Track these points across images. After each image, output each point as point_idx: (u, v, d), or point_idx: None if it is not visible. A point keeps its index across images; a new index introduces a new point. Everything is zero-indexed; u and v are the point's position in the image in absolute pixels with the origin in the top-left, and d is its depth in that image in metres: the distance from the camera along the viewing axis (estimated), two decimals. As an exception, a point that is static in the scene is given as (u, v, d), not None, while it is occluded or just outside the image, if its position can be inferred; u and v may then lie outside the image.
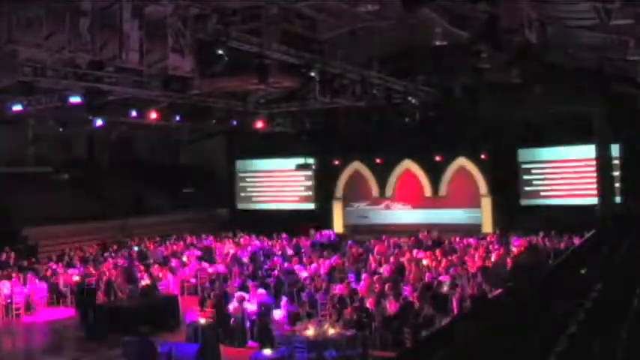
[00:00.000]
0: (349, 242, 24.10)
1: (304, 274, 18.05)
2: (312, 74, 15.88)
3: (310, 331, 12.24)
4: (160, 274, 19.17)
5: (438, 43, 14.92)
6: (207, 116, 22.90)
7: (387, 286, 14.67)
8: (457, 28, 12.48)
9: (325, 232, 26.29)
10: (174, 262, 21.10)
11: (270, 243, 24.66)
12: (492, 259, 18.62)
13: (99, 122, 21.33)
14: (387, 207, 28.89)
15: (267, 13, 14.26)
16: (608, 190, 22.69)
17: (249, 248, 23.31)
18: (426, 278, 16.35)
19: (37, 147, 28.68)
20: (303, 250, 22.70)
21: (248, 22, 14.14)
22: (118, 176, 30.21)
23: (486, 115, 23.71)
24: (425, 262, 19.12)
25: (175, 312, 16.26)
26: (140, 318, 14.99)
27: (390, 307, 13.58)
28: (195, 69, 13.41)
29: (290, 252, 22.56)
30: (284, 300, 15.19)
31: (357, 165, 29.41)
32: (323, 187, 29.88)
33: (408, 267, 18.06)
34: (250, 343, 13.71)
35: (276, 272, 18.32)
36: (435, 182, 27.75)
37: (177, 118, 22.33)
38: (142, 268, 19.64)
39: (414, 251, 20.53)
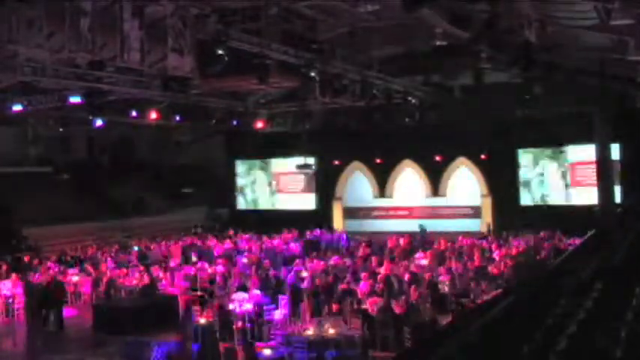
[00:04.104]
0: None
1: (304, 273, 18.03)
2: (312, 74, 15.88)
3: (310, 331, 12.26)
4: (160, 274, 19.14)
5: (438, 43, 14.94)
6: (207, 116, 22.91)
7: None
8: (457, 28, 12.47)
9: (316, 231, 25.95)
10: (173, 263, 21.07)
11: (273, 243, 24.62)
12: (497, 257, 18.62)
13: (99, 122, 21.33)
14: (386, 212, 28.97)
15: (267, 13, 14.27)
16: (608, 190, 22.69)
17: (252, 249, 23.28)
18: (426, 278, 16.34)
19: (37, 147, 28.70)
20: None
21: (248, 22, 14.15)
22: (118, 176, 30.23)
23: (486, 115, 23.71)
24: (424, 261, 19.13)
25: (175, 312, 16.24)
26: (140, 318, 15.01)
27: (395, 308, 13.55)
28: (195, 69, 13.42)
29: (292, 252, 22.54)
30: (284, 299, 15.17)
31: (357, 165, 29.42)
32: (323, 187, 29.88)
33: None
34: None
35: (274, 272, 18.30)
36: (435, 182, 27.75)
37: (177, 118, 22.34)
38: (142, 268, 19.61)
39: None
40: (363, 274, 16.67)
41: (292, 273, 17.39)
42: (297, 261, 19.56)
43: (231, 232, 27.13)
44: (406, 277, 16.55)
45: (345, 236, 25.29)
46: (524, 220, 24.40)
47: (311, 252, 21.67)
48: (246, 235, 25.78)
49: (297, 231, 25.63)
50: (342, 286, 15.80)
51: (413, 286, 14.92)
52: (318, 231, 25.78)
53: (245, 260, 20.89)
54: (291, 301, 15.39)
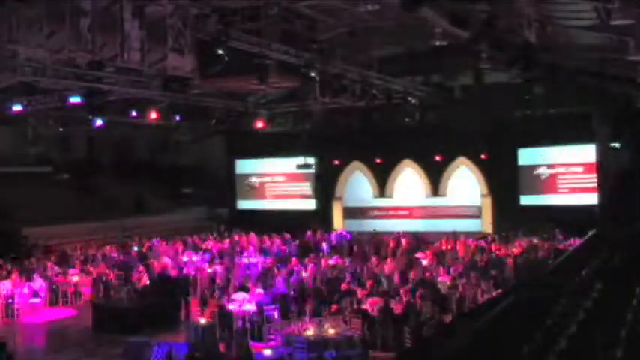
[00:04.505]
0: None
1: (304, 274, 18.04)
2: (312, 74, 15.88)
3: (310, 331, 12.26)
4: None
5: (438, 43, 14.94)
6: (207, 116, 22.92)
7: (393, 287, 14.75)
8: (457, 28, 12.48)
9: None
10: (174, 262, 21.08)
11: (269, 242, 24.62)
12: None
13: (99, 122, 21.33)
14: (386, 212, 28.95)
15: (267, 13, 14.29)
16: (608, 190, 22.69)
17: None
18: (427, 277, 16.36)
19: (37, 147, 28.70)
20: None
21: (248, 22, 14.17)
22: (118, 176, 30.24)
23: (486, 115, 23.72)
24: (424, 262, 19.14)
25: (175, 312, 16.24)
26: (140, 318, 15.01)
27: (396, 307, 13.56)
28: (195, 69, 13.43)
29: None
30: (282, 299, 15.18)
31: (357, 165, 29.43)
32: (323, 187, 29.89)
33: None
34: (253, 343, 13.69)
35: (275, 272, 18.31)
36: (435, 182, 27.74)
37: (177, 118, 22.34)
38: (142, 268, 19.62)
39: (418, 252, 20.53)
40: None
41: (294, 274, 17.42)
42: (295, 261, 19.58)
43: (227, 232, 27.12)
44: (395, 276, 16.62)
45: (348, 235, 25.33)
46: (524, 220, 24.39)
47: (306, 254, 21.60)
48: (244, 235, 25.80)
49: (290, 233, 25.55)
50: (342, 286, 15.79)
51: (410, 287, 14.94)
52: (309, 233, 25.72)
53: (245, 260, 20.94)
54: (291, 301, 15.43)
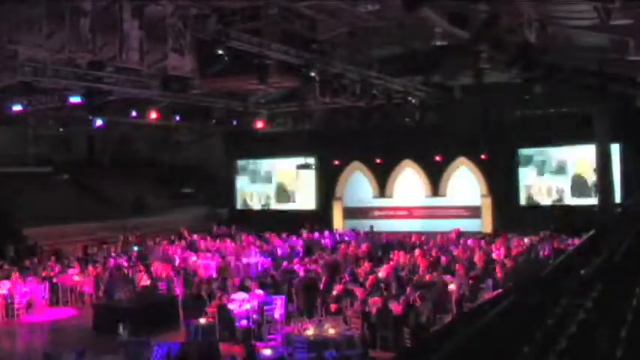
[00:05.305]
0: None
1: (301, 272, 18.04)
2: (312, 74, 15.87)
3: (310, 331, 12.26)
4: (163, 274, 19.15)
5: (438, 43, 14.94)
6: (207, 116, 22.92)
7: (393, 288, 14.75)
8: (457, 28, 12.47)
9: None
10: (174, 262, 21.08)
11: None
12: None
13: (99, 122, 21.33)
14: (386, 212, 28.94)
15: (267, 13, 14.28)
16: (608, 190, 22.69)
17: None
18: (427, 278, 16.36)
19: (37, 147, 28.70)
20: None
21: (248, 22, 14.17)
22: (118, 176, 30.23)
23: (486, 115, 23.70)
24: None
25: (175, 312, 16.24)
26: (140, 318, 14.99)
27: (395, 308, 13.56)
28: (195, 69, 13.43)
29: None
30: (281, 299, 15.18)
31: (357, 165, 29.42)
32: (323, 187, 29.88)
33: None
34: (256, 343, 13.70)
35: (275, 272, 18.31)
36: (435, 182, 27.75)
37: (177, 118, 22.35)
38: (141, 268, 19.62)
39: (416, 251, 20.50)
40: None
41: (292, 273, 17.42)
42: (295, 260, 19.58)
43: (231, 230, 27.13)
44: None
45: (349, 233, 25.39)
46: (524, 220, 24.38)
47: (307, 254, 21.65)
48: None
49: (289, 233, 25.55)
50: (340, 287, 15.80)
51: (410, 287, 14.93)
52: (309, 234, 25.74)
53: (245, 260, 20.93)
54: (289, 300, 15.47)
